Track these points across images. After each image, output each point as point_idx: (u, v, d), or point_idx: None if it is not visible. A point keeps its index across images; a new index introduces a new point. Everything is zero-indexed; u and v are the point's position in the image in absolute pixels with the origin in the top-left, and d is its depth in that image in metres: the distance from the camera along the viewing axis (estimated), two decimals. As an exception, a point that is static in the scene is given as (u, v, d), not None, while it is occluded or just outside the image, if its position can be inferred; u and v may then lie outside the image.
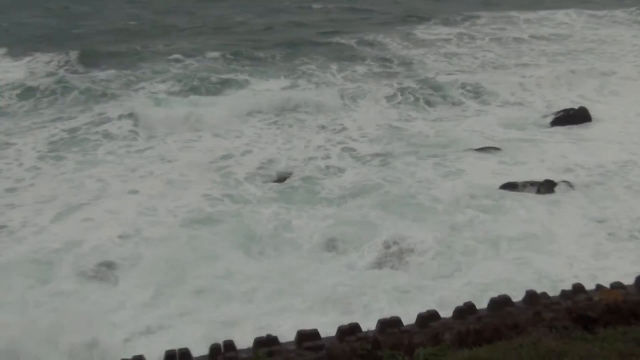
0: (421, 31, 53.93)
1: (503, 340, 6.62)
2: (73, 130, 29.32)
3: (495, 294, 12.72)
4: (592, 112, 29.75)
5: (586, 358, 5.72)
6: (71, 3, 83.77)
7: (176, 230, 19.40)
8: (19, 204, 21.64)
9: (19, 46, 51.34)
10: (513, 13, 60.31)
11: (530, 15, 59.58)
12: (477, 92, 34.68)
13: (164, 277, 16.41)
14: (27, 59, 46.26)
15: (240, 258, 17.49)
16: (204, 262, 17.14)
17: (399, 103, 33.39)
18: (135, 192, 22.51)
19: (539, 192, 20.86)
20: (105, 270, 16.72)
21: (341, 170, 24.46)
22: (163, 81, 37.80)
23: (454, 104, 33.49)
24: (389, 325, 11.70)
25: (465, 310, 12.15)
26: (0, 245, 18.52)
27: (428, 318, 11.91)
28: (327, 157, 26.07)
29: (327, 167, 24.74)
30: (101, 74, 39.40)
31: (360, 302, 14.99)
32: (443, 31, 53.69)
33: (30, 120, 31.27)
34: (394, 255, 17.26)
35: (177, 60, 43.66)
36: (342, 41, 50.15)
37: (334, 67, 41.33)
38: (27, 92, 35.99)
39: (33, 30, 61.79)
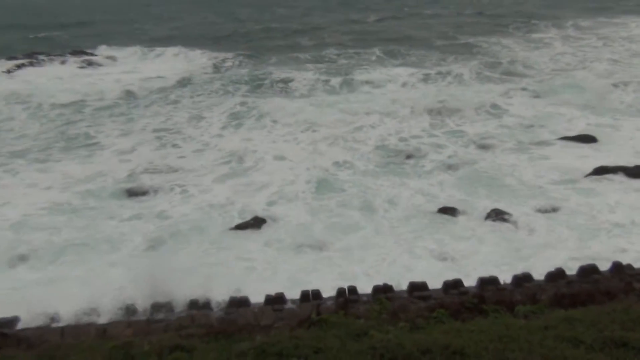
0: (531, 32, 51.71)
1: (596, 304, 6.18)
2: (243, 104, 31.43)
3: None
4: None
5: (676, 326, 5.23)
6: (236, 7, 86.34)
7: (310, 194, 19.54)
8: (197, 167, 22.69)
9: (196, 42, 54.23)
10: (618, 20, 56.24)
11: (634, 18, 55.42)
12: (574, 85, 32.58)
13: (299, 236, 16.51)
14: (200, 52, 48.87)
15: (361, 221, 17.35)
16: (332, 225, 17.14)
17: (502, 91, 32.07)
18: (281, 158, 23.13)
19: (629, 176, 19.29)
20: (252, 226, 16.97)
21: (443, 148, 23.86)
22: (311, 69, 39.29)
23: (551, 93, 31.63)
24: (488, 282, 11.34)
25: (556, 275, 11.58)
26: (174, 202, 19.31)
27: (522, 279, 11.45)
28: (432, 135, 25.73)
29: (431, 145, 24.27)
30: (263, 64, 41.48)
31: (464, 261, 14.56)
32: (551, 33, 51.12)
33: (212, 98, 33.73)
34: (494, 225, 16.58)
35: (325, 54, 44.67)
36: (461, 41, 49.20)
37: (449, 59, 40.55)
38: (207, 78, 38.94)
39: (207, 29, 64.58)
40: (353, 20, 69.35)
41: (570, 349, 4.98)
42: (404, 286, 11.51)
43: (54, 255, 15.64)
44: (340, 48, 46.94)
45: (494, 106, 29.53)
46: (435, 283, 11.42)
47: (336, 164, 22.36)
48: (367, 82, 35.31)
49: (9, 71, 46.13)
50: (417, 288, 11.18)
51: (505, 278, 11.50)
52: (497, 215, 16.83)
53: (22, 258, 15.41)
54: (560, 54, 42.38)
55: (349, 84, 35.04)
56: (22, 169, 22.91)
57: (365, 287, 11.52)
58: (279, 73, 38.27)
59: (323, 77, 36.66)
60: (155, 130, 27.72)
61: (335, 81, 35.68)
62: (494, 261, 14.61)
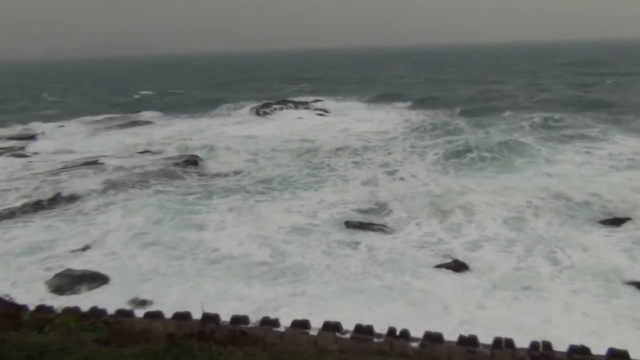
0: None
1: None
2: (451, 148, 32.05)
3: None
4: None
5: None
6: (463, 69, 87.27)
7: (501, 240, 18.53)
8: (415, 203, 22.53)
9: (415, 100, 56.72)
10: None
11: None
12: None
13: (491, 281, 15.54)
14: (422, 110, 50.53)
15: (547, 271, 16.05)
16: (520, 271, 16.20)
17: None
18: (485, 203, 21.98)
19: None
20: (451, 267, 16.31)
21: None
22: (524, 132, 37.15)
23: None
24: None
25: None
26: (386, 237, 19.29)
27: None
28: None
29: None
30: (479, 126, 40.46)
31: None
32: None
33: (426, 146, 34.25)
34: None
35: (538, 116, 42.42)
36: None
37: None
38: (425, 128, 40.52)
39: (430, 90, 67.38)
40: (569, 83, 65.24)
41: None
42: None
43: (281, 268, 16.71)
44: (560, 112, 43.72)
45: None
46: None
47: (534, 213, 20.89)
48: (579, 140, 33.21)
49: (265, 114, 52.01)
50: (618, 355, 9.69)
51: None
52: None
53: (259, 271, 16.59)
54: None
55: (560, 145, 32.28)
56: (280, 195, 24.94)
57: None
58: (491, 134, 35.97)
59: (534, 138, 33.93)
60: (380, 166, 29.57)
61: (546, 142, 33.02)
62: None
